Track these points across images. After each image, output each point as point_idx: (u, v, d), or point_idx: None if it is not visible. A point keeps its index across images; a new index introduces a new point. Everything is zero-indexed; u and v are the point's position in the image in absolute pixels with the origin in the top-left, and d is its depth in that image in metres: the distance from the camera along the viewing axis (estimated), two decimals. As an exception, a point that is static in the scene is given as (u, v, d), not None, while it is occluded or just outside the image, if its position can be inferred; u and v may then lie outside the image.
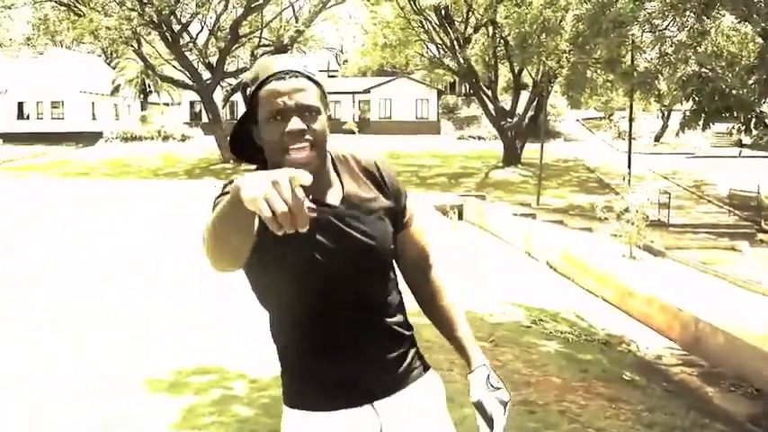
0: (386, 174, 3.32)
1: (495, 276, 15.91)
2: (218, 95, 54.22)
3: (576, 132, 77.94)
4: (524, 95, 50.56)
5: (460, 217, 27.18)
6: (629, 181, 29.05)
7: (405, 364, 3.30)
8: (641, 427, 8.29)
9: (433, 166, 51.00)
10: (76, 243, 18.78)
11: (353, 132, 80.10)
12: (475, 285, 14.45)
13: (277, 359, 3.31)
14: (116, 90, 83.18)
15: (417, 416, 3.27)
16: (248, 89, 3.07)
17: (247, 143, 3.18)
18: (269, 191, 2.20)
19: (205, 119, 64.12)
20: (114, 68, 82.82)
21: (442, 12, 47.03)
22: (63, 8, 53.31)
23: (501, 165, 48.59)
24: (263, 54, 56.54)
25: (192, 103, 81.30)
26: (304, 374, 3.22)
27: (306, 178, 2.23)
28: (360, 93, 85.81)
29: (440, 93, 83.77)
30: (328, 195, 3.12)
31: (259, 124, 3.05)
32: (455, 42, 48.72)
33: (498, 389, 3.29)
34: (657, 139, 70.69)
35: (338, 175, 3.20)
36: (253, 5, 52.36)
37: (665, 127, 70.95)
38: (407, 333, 3.36)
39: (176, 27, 51.74)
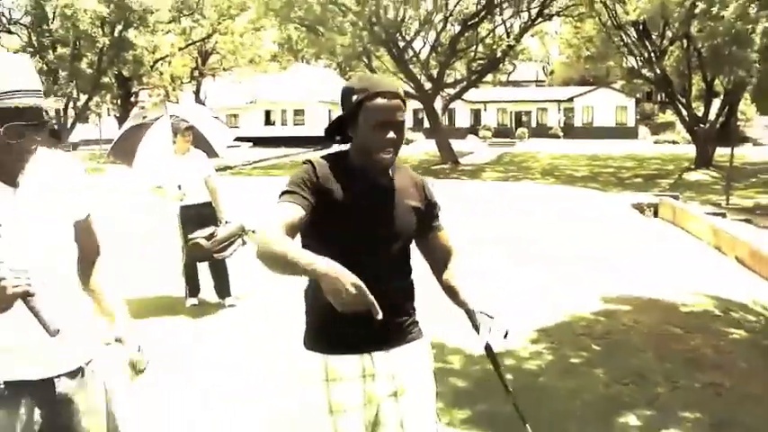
0: (427, 189, 4.05)
1: (688, 269, 15.53)
2: (438, 104, 54.46)
3: (764, 137, 75.76)
4: (716, 102, 49.31)
5: (656, 215, 26.70)
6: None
7: (404, 327, 3.90)
8: (825, 414, 7.99)
9: (630, 167, 50.30)
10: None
11: (559, 137, 79.80)
12: (668, 276, 14.17)
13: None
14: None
15: (406, 368, 3.84)
16: (355, 95, 3.73)
17: (338, 131, 3.91)
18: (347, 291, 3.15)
19: (426, 124, 64.48)
20: (347, 80, 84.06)
21: (641, 27, 46.22)
22: (304, 29, 54.32)
23: (693, 167, 47.42)
24: (478, 66, 56.72)
25: (415, 111, 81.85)
26: (325, 321, 3.73)
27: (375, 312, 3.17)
28: (564, 101, 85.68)
29: (637, 101, 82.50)
30: (383, 183, 3.82)
31: (359, 125, 3.72)
32: (652, 54, 47.79)
33: (493, 318, 3.82)
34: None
35: (395, 174, 3.89)
36: (469, 24, 52.39)
37: None
38: (411, 306, 3.99)
39: (401, 44, 52.12)
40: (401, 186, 3.90)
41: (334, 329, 3.70)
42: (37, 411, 3.45)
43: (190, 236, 10.79)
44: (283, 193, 3.66)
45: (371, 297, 3.15)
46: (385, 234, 3.79)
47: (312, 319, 3.86)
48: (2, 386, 3.38)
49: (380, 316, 3.15)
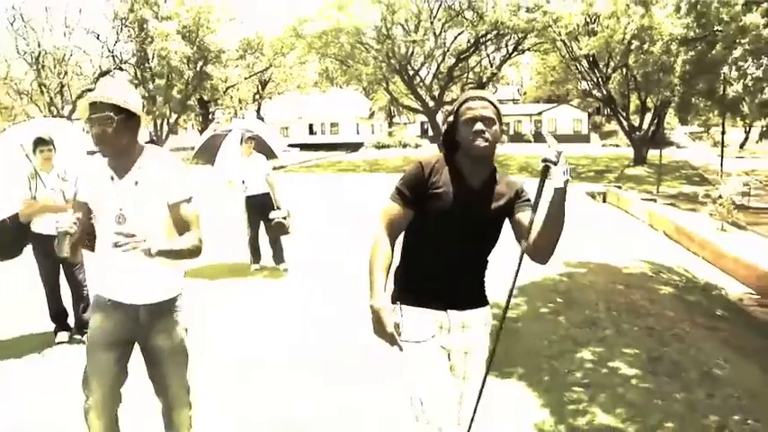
0: (521, 190, 3.81)
1: (628, 241, 15.63)
2: (440, 117, 54.34)
3: (684, 142, 75.62)
4: (648, 115, 49.13)
5: (604, 200, 26.73)
6: (722, 176, 28.09)
7: (476, 295, 3.84)
8: (729, 347, 8.09)
9: (585, 165, 50.10)
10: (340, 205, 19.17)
11: (530, 142, 79.76)
12: (614, 247, 14.25)
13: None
14: (372, 115, 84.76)
15: (472, 328, 3.77)
16: (456, 105, 3.73)
17: (450, 139, 3.77)
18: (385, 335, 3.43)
19: (430, 133, 64.32)
20: (371, 100, 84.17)
21: (591, 58, 46.04)
22: (338, 62, 54.32)
23: (632, 164, 47.26)
24: (469, 89, 56.63)
25: (422, 123, 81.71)
26: (413, 281, 3.74)
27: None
28: (534, 114, 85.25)
29: (589, 114, 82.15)
30: (478, 180, 3.71)
31: (458, 126, 3.68)
32: (600, 79, 47.64)
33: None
34: (742, 146, 67.76)
35: (495, 176, 3.79)
36: (461, 57, 52.29)
37: (746, 138, 68.53)
38: (482, 279, 3.86)
39: (411, 72, 52.05)
40: (494, 191, 3.75)
41: (420, 288, 3.70)
42: (126, 324, 3.97)
43: (271, 216, 11.17)
44: (396, 188, 3.72)
45: (394, 343, 3.43)
46: (471, 227, 3.66)
47: (400, 279, 3.81)
48: (108, 301, 3.97)
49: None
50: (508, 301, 3.72)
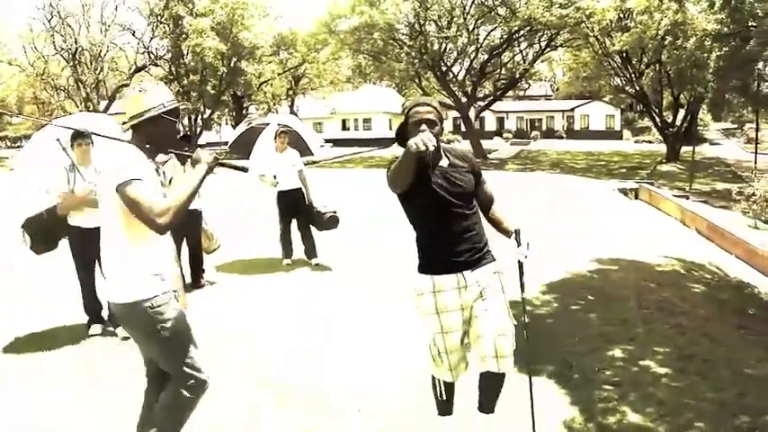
0: (469, 157, 4.75)
1: (660, 238, 15.48)
2: (472, 113, 54.16)
3: (717, 138, 74.98)
4: (681, 112, 48.74)
5: (636, 197, 26.52)
6: (755, 173, 27.81)
7: (482, 254, 4.63)
8: (761, 346, 8.01)
9: (617, 161, 49.93)
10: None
11: (563, 138, 79.52)
12: (646, 244, 14.12)
13: None
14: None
15: (487, 283, 4.59)
16: (406, 109, 4.55)
17: (402, 136, 4.57)
18: (422, 137, 3.81)
19: (463, 129, 64.13)
20: (403, 96, 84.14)
21: (624, 54, 45.69)
22: (371, 58, 54.38)
23: (664, 161, 46.86)
24: (501, 85, 56.44)
25: (454, 119, 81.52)
26: (429, 254, 4.61)
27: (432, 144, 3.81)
28: (567, 110, 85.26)
29: (622, 110, 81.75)
30: (441, 162, 4.55)
31: (408, 127, 4.49)
32: (632, 75, 47.28)
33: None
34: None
35: (447, 156, 4.62)
36: (494, 53, 52.07)
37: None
38: (484, 239, 4.67)
39: (444, 68, 51.95)
40: (454, 162, 4.62)
41: (438, 258, 4.55)
42: None
43: (324, 211, 11.48)
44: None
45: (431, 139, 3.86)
46: (452, 194, 4.49)
47: (422, 253, 4.64)
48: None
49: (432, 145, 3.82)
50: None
